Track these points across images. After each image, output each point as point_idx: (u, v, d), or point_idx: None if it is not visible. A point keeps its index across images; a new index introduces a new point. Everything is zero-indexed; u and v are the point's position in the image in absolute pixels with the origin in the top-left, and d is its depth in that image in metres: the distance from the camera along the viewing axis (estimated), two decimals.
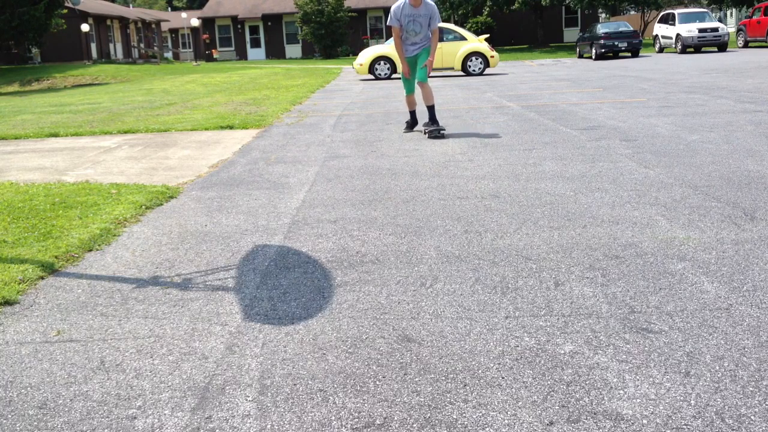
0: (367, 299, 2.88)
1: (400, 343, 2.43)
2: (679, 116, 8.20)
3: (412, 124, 8.24)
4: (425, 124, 7.80)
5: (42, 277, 3.32)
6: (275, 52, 47.79)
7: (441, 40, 20.70)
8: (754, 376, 2.10)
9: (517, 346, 2.37)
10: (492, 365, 2.25)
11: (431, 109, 7.70)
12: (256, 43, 48.49)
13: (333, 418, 1.98)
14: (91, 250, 3.76)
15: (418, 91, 7.83)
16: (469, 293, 2.89)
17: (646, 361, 2.22)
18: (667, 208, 4.07)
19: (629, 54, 28.77)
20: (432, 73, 21.01)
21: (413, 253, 3.46)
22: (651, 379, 2.11)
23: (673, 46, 28.86)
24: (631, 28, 29.14)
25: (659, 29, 30.76)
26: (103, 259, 3.61)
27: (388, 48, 19.62)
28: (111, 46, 44.91)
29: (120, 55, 45.64)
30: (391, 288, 3.00)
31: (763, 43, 28.10)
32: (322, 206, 4.57)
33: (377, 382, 2.18)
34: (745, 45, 28.87)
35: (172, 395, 2.15)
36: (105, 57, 42.66)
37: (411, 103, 8.16)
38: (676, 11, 29.99)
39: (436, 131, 7.52)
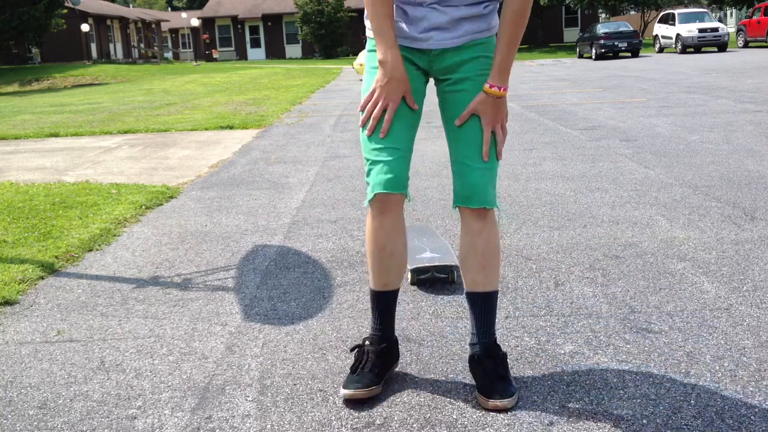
0: (367, 299, 2.87)
1: (400, 343, 2.43)
2: (679, 116, 8.21)
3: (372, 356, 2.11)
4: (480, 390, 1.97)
5: (42, 277, 3.32)
6: (275, 52, 47.79)
7: None
8: (754, 376, 2.10)
9: (517, 346, 2.37)
10: None
11: (489, 311, 2.02)
12: (256, 43, 48.49)
13: (333, 418, 1.98)
14: (91, 250, 3.76)
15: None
16: None
17: (646, 361, 2.22)
18: (667, 208, 4.07)
19: (629, 54, 28.78)
20: None
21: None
22: (651, 379, 2.11)
23: (673, 46, 28.87)
24: (631, 28, 29.17)
25: (659, 29, 30.77)
26: (103, 259, 3.61)
27: None
28: (111, 46, 44.92)
29: (120, 55, 45.64)
30: None
31: (763, 43, 28.09)
32: (322, 206, 4.57)
33: None
34: (745, 45, 28.87)
35: (172, 395, 2.15)
36: (105, 57, 42.66)
37: (378, 259, 2.06)
38: (676, 11, 30.01)
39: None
